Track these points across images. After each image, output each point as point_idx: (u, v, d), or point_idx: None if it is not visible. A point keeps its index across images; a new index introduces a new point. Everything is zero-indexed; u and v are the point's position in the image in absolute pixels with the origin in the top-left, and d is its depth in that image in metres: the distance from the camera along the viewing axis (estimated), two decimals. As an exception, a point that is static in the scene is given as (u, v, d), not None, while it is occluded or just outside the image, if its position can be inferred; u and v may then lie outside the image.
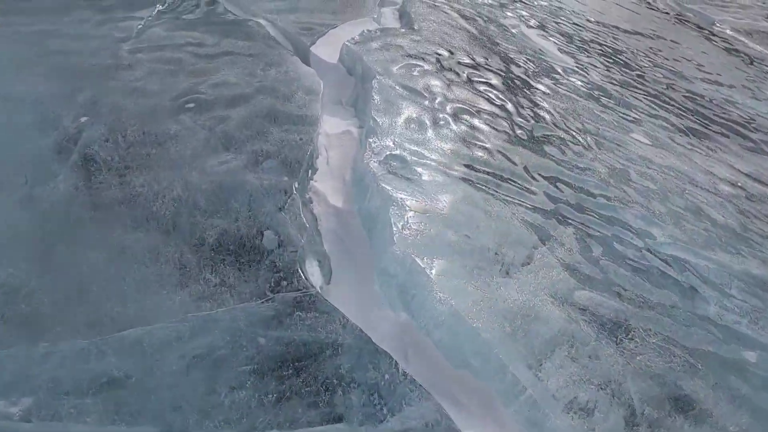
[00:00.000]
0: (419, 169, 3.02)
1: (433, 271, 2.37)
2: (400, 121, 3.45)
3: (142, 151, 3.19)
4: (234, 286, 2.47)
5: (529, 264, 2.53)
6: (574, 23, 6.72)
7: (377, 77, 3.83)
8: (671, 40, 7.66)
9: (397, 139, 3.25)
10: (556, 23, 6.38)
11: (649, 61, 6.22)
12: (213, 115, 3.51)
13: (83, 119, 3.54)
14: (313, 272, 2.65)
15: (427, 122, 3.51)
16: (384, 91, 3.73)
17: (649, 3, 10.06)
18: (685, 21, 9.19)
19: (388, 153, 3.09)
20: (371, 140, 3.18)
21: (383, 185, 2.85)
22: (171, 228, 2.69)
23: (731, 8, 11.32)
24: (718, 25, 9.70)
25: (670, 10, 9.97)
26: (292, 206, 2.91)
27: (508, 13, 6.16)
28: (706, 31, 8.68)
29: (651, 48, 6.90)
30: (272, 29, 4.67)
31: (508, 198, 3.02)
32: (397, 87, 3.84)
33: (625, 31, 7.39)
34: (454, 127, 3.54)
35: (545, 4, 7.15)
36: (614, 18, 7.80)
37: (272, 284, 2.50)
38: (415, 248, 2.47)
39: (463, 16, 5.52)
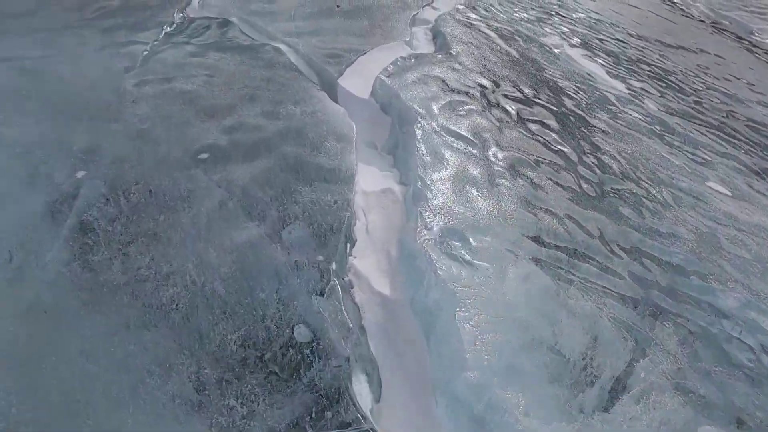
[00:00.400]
0: (481, 249, 2.49)
1: (520, 409, 1.84)
2: (452, 181, 2.92)
3: (148, 217, 2.67)
4: (265, 417, 1.93)
5: (632, 390, 1.99)
6: (617, 39, 6.14)
7: (419, 121, 3.28)
8: (715, 54, 7.07)
9: (450, 207, 2.72)
10: (599, 40, 5.80)
11: (701, 82, 5.64)
12: (230, 168, 2.98)
13: (80, 174, 3.02)
14: (360, 390, 2.12)
15: (483, 180, 2.97)
16: (428, 138, 3.20)
17: (683, 10, 9.47)
18: (723, 30, 8.59)
19: (442, 226, 2.57)
20: (421, 209, 2.65)
21: (442, 273, 2.31)
22: (184, 328, 2.17)
23: (767, 14, 10.70)
24: (756, 34, 9.11)
25: (705, 18, 9.38)
26: (331, 296, 2.37)
27: (547, 29, 5.58)
28: (746, 42, 8.10)
29: (698, 65, 6.32)
30: (293, 56, 4.12)
31: (589, 284, 2.48)
32: (442, 132, 3.29)
33: (668, 46, 6.81)
34: (513, 185, 3.00)
35: (582, 16, 6.56)
36: (654, 30, 7.22)
37: (313, 414, 1.97)
38: (493, 373, 1.94)
39: (502, 36, 4.95)
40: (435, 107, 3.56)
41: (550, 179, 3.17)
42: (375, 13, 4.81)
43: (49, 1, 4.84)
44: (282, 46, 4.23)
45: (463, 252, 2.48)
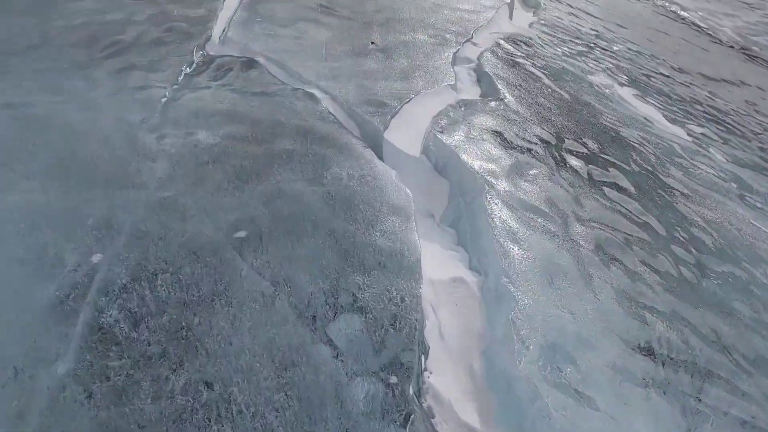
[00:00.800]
0: (591, 372, 2.05)
1: None
2: (538, 273, 2.47)
3: (179, 318, 2.18)
4: None
5: None
6: (661, 74, 5.73)
7: (486, 195, 2.81)
8: (757, 87, 6.69)
9: (544, 310, 2.27)
10: (646, 76, 5.38)
11: (757, 123, 5.25)
12: (273, 251, 2.51)
13: (95, 258, 2.52)
14: None
15: (573, 270, 2.52)
16: (499, 213, 2.76)
17: (711, 35, 9.12)
18: (754, 57, 8.25)
19: (542, 342, 2.12)
20: (512, 315, 2.16)
21: (555, 413, 1.82)
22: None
23: (794, 38, 10.38)
24: (788, 60, 8.75)
25: (734, 44, 9.04)
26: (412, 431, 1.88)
27: (591, 64, 5.16)
28: (782, 70, 7.75)
29: (747, 101, 5.92)
30: (330, 104, 3.65)
31: (723, 417, 2.00)
32: (514, 204, 2.84)
33: (711, 79, 6.41)
34: (607, 275, 2.56)
35: (621, 48, 6.15)
36: (692, 60, 6.86)
37: None
38: None
39: (549, 75, 4.53)
40: (499, 170, 3.09)
41: (645, 264, 2.70)
42: (413, 51, 4.35)
43: (55, 34, 4.35)
44: (316, 92, 3.76)
45: (571, 379, 2.00)
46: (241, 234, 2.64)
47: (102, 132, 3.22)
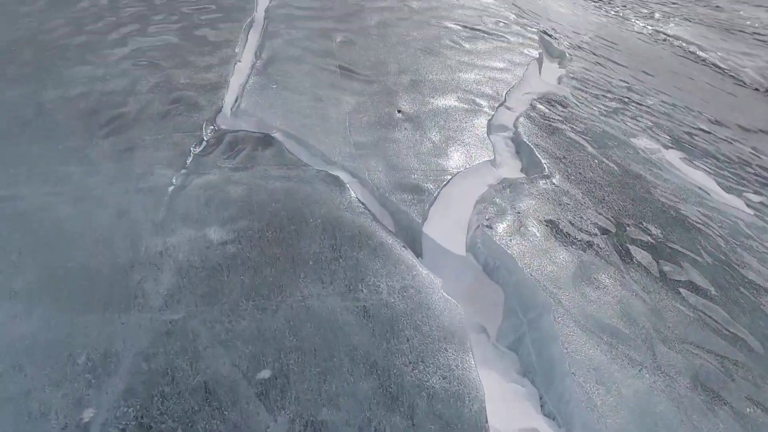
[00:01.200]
0: None
1: None
2: (635, 423, 1.94)
3: None
4: None
5: None
6: (700, 129, 5.35)
7: (554, 314, 2.33)
8: (797, 137, 6.26)
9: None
10: (687, 134, 4.99)
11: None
12: (303, 396, 2.08)
13: (86, 414, 2.06)
14: None
15: (673, 419, 2.10)
16: (573, 341, 2.29)
17: (733, 77, 8.82)
18: (782, 100, 7.87)
19: None
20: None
21: None
22: None
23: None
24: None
25: (759, 86, 8.68)
26: None
27: (630, 123, 4.76)
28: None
29: (793, 157, 5.48)
30: (359, 189, 3.22)
31: None
32: (588, 326, 2.40)
33: (749, 131, 6.05)
34: (713, 424, 2.04)
35: (654, 101, 5.78)
36: (724, 109, 6.57)
37: None
38: None
39: (591, 141, 4.15)
40: (562, 276, 2.63)
41: (752, 401, 2.20)
42: (444, 120, 3.94)
43: (50, 107, 3.95)
44: (342, 175, 3.33)
45: None
46: (265, 374, 2.18)
47: (100, 233, 2.78)
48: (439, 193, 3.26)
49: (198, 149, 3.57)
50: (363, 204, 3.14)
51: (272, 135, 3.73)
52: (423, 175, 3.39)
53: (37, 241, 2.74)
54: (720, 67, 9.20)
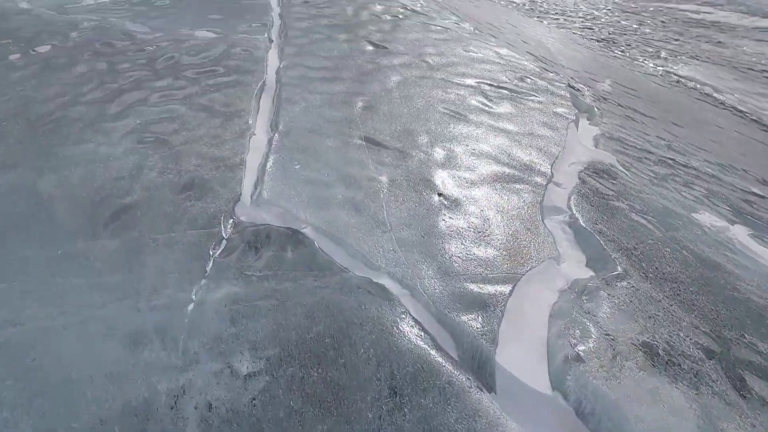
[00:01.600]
0: None
1: None
2: None
3: None
4: None
5: None
6: (755, 194, 4.98)
7: None
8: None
9: None
10: (746, 203, 4.59)
11: None
12: None
13: None
14: None
15: None
16: None
17: (758, 122, 8.51)
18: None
19: None
20: None
21: None
22: None
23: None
24: None
25: (783, 129, 8.34)
26: None
27: (686, 194, 4.35)
28: None
29: None
30: (411, 302, 2.71)
31: None
32: None
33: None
34: None
35: (698, 162, 5.38)
36: (765, 165, 6.10)
37: None
38: None
39: (654, 220, 3.76)
40: (680, 429, 2.08)
41: None
42: (489, 204, 3.48)
43: (45, 199, 3.44)
44: (388, 283, 2.82)
45: None
46: None
47: (110, 371, 2.22)
48: (505, 306, 2.74)
49: (217, 251, 3.04)
50: (418, 323, 2.62)
51: (301, 231, 3.21)
52: (482, 280, 2.88)
53: (35, 389, 2.19)
54: (740, 111, 8.91)
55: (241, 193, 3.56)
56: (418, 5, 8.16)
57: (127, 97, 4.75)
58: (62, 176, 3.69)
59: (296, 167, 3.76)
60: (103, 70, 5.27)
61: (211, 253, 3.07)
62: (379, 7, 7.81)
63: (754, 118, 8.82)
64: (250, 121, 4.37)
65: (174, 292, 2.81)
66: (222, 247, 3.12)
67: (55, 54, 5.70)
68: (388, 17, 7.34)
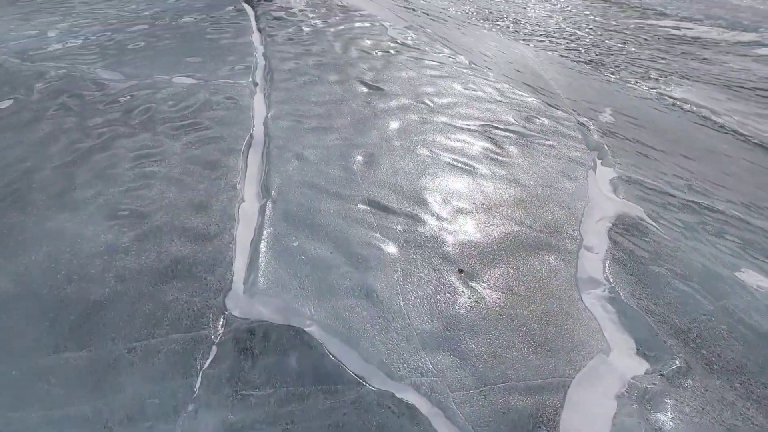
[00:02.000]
0: None
1: None
2: None
3: None
4: None
5: None
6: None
7: None
8: None
9: None
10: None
11: None
12: None
13: None
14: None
15: None
16: None
17: (761, 146, 8.23)
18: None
19: None
20: None
21: None
22: None
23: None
24: None
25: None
26: None
27: (720, 246, 4.01)
28: None
29: None
30: (444, 424, 2.21)
31: None
32: None
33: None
34: None
35: (723, 205, 4.99)
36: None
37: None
38: None
39: (698, 286, 3.39)
40: None
41: None
42: (519, 280, 3.05)
43: (4, 296, 2.88)
44: (416, 400, 2.33)
45: None
46: None
47: None
48: (558, 424, 2.24)
49: (206, 362, 2.51)
50: (458, 458, 2.09)
51: (305, 331, 2.69)
52: (526, 390, 2.40)
53: None
54: (742, 134, 8.66)
55: (232, 280, 3.05)
56: (408, 38, 7.78)
57: (98, 160, 4.23)
58: (21, 267, 3.15)
59: (294, 244, 3.26)
60: (70, 128, 4.75)
61: (198, 364, 2.54)
62: (368, 42, 7.41)
63: (757, 141, 8.56)
64: (238, 186, 3.88)
65: (154, 424, 2.27)
66: (211, 356, 2.59)
67: (17, 109, 5.16)
68: (379, 53, 6.93)
